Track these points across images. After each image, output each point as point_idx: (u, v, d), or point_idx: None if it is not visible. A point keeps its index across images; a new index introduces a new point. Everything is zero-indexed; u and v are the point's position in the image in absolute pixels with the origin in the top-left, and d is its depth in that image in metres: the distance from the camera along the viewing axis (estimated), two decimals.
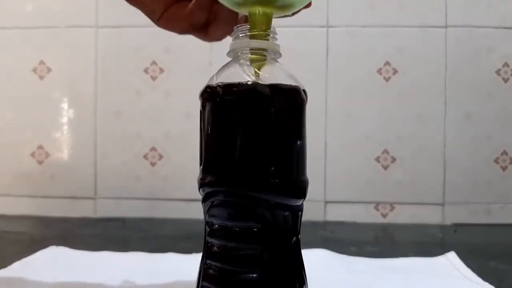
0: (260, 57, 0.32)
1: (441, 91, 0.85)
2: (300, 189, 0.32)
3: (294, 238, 0.32)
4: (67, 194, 0.88)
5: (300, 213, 0.32)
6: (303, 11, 0.35)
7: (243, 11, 0.33)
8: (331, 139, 0.86)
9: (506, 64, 0.84)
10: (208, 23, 0.40)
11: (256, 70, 0.32)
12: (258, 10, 0.32)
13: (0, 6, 0.89)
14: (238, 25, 0.33)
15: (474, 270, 0.49)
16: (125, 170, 0.88)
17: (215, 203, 0.31)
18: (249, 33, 0.32)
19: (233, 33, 0.33)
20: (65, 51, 0.89)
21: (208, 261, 0.32)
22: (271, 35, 0.32)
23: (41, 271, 0.48)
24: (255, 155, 0.30)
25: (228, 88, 0.31)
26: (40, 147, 0.89)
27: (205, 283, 0.32)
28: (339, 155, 0.86)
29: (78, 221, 0.83)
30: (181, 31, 0.41)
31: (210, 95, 0.31)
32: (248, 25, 0.32)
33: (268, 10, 0.32)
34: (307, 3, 0.34)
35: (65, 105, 0.89)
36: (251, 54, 0.32)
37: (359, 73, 0.86)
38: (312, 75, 0.85)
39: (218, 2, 0.37)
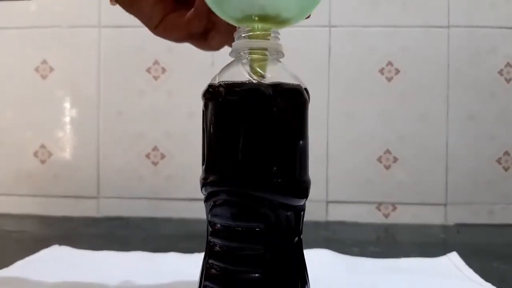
0: (262, 57, 0.32)
1: (443, 91, 0.85)
2: (302, 189, 0.32)
3: (296, 238, 0.32)
4: (70, 194, 0.88)
5: (302, 213, 0.32)
6: None
7: (241, 25, 0.33)
8: (333, 139, 0.86)
9: (508, 64, 0.84)
10: (206, 32, 0.39)
11: (259, 70, 0.32)
12: (257, 25, 0.32)
13: (2, 6, 0.89)
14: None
15: (476, 270, 0.49)
16: (128, 169, 0.88)
17: (217, 202, 0.31)
18: (251, 33, 0.32)
19: (235, 33, 0.33)
20: (68, 51, 0.89)
21: (210, 261, 0.32)
22: (273, 35, 0.32)
23: (43, 270, 0.48)
24: (257, 155, 0.30)
25: (231, 88, 0.31)
26: (43, 146, 0.89)
27: (207, 283, 0.32)
28: (340, 155, 0.86)
29: (80, 220, 0.84)
30: (179, 39, 0.40)
31: (212, 95, 0.31)
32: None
33: (267, 25, 0.32)
34: (306, 16, 0.34)
35: (67, 105, 0.89)
36: (253, 54, 0.32)
37: (361, 73, 0.86)
38: (314, 75, 0.85)
39: (212, 18, 0.36)
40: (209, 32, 0.39)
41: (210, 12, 0.36)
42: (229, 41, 0.38)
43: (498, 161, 0.85)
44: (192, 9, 0.38)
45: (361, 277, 0.48)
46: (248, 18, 0.32)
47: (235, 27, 0.33)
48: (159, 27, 0.39)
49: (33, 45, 0.89)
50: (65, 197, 0.88)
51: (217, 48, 0.41)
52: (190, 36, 0.40)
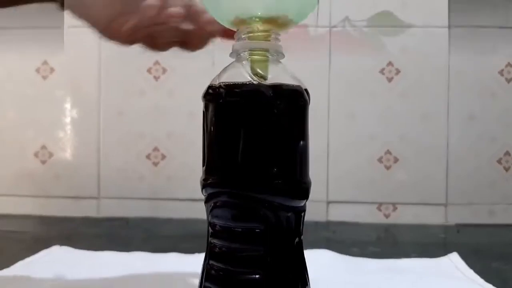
0: (263, 58, 0.32)
1: (444, 91, 0.85)
2: (302, 190, 0.32)
3: (297, 239, 0.32)
4: (70, 194, 0.88)
5: (302, 214, 0.32)
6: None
7: (239, 28, 0.33)
8: (333, 140, 0.86)
9: (509, 65, 0.84)
10: (153, 38, 0.41)
11: (259, 71, 0.32)
12: (258, 27, 0.32)
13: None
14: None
15: (477, 270, 0.49)
16: (128, 170, 0.88)
17: (218, 204, 0.31)
18: (251, 34, 0.32)
19: (235, 34, 0.33)
20: (68, 51, 0.89)
21: (211, 262, 0.32)
22: (274, 35, 0.32)
23: (44, 271, 0.48)
24: (258, 156, 0.30)
25: (231, 89, 0.31)
26: (44, 147, 0.89)
27: (207, 284, 0.32)
28: (341, 155, 0.86)
29: (81, 220, 0.84)
30: (124, 44, 0.42)
31: (212, 96, 0.31)
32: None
33: (268, 27, 0.32)
34: (303, 19, 0.34)
35: (68, 105, 0.89)
36: (254, 55, 0.32)
37: (361, 73, 0.86)
38: (314, 76, 0.85)
39: (159, 21, 0.38)
40: (156, 38, 0.41)
41: (148, 24, 0.39)
42: (176, 44, 0.41)
43: (499, 161, 0.85)
44: (130, 23, 0.39)
45: (361, 277, 0.48)
46: (243, 22, 0.32)
47: (182, 33, 0.34)
48: (104, 32, 0.41)
49: (34, 46, 0.89)
50: (66, 197, 0.88)
51: (165, 50, 0.44)
52: (134, 43, 0.41)
